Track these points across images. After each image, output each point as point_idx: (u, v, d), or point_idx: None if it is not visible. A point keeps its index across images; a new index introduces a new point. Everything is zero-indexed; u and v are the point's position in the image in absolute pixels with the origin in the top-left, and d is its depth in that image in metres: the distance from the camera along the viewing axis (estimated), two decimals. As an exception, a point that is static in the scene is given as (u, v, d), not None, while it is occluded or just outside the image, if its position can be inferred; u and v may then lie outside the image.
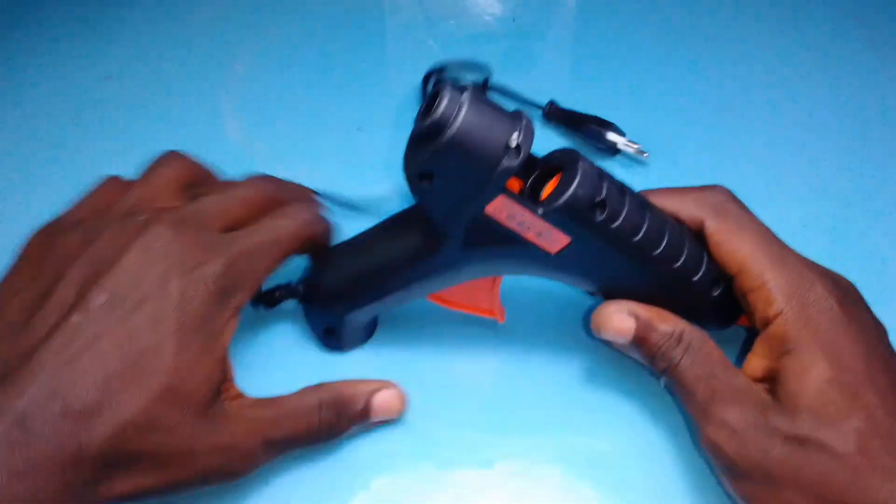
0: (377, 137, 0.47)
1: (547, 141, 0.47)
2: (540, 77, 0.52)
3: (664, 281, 0.30)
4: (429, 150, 0.25)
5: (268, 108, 0.48)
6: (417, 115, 0.26)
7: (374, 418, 0.31)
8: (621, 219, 0.28)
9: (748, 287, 0.29)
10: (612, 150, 0.46)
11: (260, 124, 0.47)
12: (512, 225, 0.28)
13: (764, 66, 0.53)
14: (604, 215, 0.28)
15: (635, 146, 0.45)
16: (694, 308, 0.31)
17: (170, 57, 0.52)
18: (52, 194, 0.42)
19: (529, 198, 0.28)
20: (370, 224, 0.33)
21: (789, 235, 0.40)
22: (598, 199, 0.27)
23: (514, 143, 0.25)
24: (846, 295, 0.29)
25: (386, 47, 0.55)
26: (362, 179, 0.44)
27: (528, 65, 0.53)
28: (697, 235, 0.31)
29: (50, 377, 0.23)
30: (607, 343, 0.31)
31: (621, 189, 0.29)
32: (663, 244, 0.29)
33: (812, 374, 0.26)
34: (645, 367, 0.31)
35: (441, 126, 0.25)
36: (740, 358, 0.31)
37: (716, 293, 0.31)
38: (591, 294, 0.33)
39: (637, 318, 0.29)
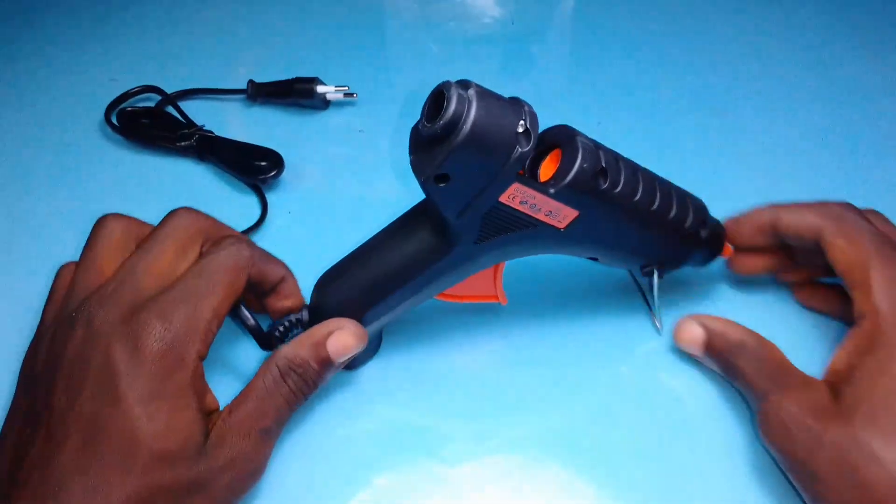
0: (378, 138, 0.48)
1: (263, 118, 0.49)
2: (538, 78, 0.53)
3: (662, 232, 0.32)
4: (444, 151, 0.25)
5: (270, 110, 0.49)
6: (422, 119, 0.26)
7: (339, 360, 0.30)
8: (621, 184, 0.29)
9: (853, 281, 0.29)
10: (324, 102, 0.49)
11: (262, 125, 0.48)
12: (525, 209, 0.28)
13: (758, 69, 0.53)
14: (606, 183, 0.29)
15: (343, 89, 0.48)
16: (687, 250, 0.34)
17: (173, 60, 0.53)
18: (58, 194, 0.44)
19: (540, 181, 0.29)
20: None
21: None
22: (598, 168, 0.29)
23: (522, 129, 0.26)
24: None
25: (387, 50, 0.56)
26: (364, 179, 0.45)
27: (527, 67, 0.54)
28: (816, 244, 0.32)
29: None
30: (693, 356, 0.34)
31: (615, 156, 0.30)
32: (657, 200, 0.31)
33: (884, 378, 0.26)
34: (722, 376, 0.33)
35: (454, 125, 0.25)
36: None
37: (704, 234, 0.34)
38: (594, 260, 0.34)
39: (705, 327, 0.32)
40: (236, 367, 0.35)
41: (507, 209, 0.28)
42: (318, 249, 0.34)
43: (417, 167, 0.26)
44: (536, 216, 0.29)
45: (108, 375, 0.25)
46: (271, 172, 0.43)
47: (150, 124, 0.46)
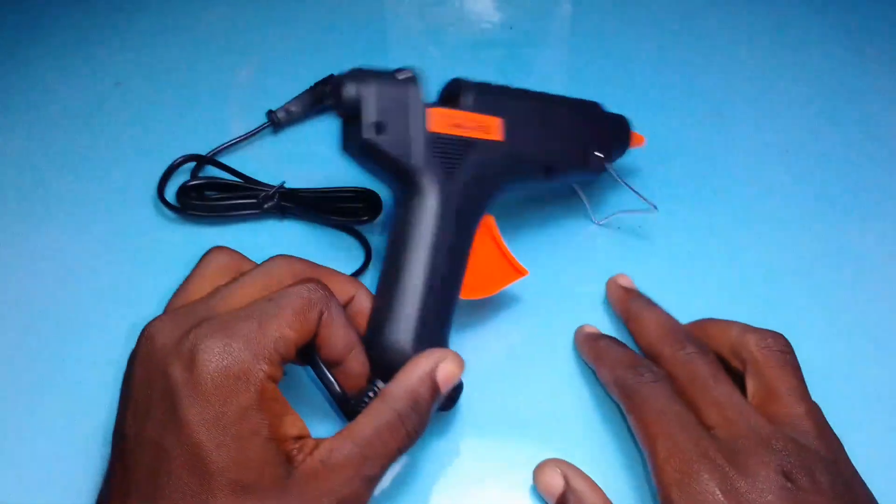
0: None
1: (296, 140, 0.48)
2: (536, 82, 0.53)
3: (583, 115, 0.39)
4: (366, 109, 0.31)
5: (298, 130, 0.49)
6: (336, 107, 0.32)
7: (444, 391, 0.28)
8: (519, 89, 0.36)
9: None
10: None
11: (300, 145, 0.48)
12: (457, 132, 0.33)
13: (752, 72, 0.54)
14: (509, 88, 0.35)
15: None
16: (613, 127, 0.41)
17: (177, 63, 0.54)
18: (65, 194, 0.44)
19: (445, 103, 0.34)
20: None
21: (777, 233, 0.42)
22: (494, 85, 0.35)
23: (403, 76, 0.32)
24: (756, 480, 0.26)
25: (388, 54, 0.56)
26: (365, 181, 0.45)
27: (525, 71, 0.55)
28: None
29: None
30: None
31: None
32: (556, 95, 0.38)
33: None
34: None
35: (358, 92, 0.31)
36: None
37: (610, 112, 0.41)
38: (554, 176, 0.38)
39: (566, 480, 0.29)
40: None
41: (443, 137, 0.32)
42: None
43: (354, 138, 0.31)
44: (472, 135, 0.33)
45: (169, 398, 0.24)
46: (370, 214, 0.40)
47: (219, 196, 0.41)
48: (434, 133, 0.32)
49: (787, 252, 0.42)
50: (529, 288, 0.38)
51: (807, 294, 0.40)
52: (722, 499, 0.25)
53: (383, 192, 0.41)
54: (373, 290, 0.32)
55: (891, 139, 0.49)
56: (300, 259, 0.30)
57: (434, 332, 0.31)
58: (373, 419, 0.26)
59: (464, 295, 0.33)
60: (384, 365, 0.30)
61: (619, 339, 0.35)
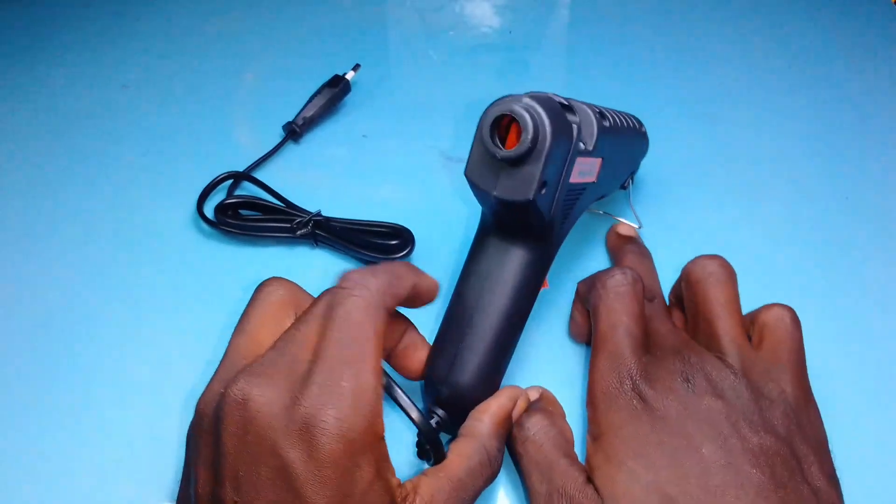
0: (381, 143, 0.49)
1: (316, 149, 0.48)
2: (534, 86, 0.54)
3: (634, 138, 0.37)
4: (538, 162, 0.26)
5: (277, 116, 0.50)
6: (487, 143, 0.26)
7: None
8: (613, 114, 0.32)
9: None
10: (348, 87, 0.51)
11: (269, 131, 0.49)
12: (580, 180, 0.30)
13: (747, 76, 0.55)
14: (608, 121, 0.31)
15: (355, 69, 0.51)
16: (640, 143, 0.39)
17: (183, 67, 0.55)
18: (73, 193, 0.45)
19: (580, 148, 0.29)
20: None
21: (771, 231, 0.43)
22: (597, 110, 0.31)
23: (565, 102, 0.28)
24: (668, 379, 0.28)
25: (389, 58, 0.57)
26: (367, 182, 0.46)
27: (523, 74, 0.56)
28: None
29: None
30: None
31: (555, 96, 0.30)
32: (616, 114, 0.34)
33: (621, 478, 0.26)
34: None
35: (537, 138, 0.25)
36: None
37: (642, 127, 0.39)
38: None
39: (541, 395, 0.32)
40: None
41: (573, 187, 0.29)
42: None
43: (513, 191, 0.26)
44: (585, 181, 0.31)
45: (287, 480, 0.22)
46: (403, 251, 0.39)
47: (254, 216, 0.42)
48: (571, 183, 0.29)
49: (782, 252, 0.42)
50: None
51: (802, 294, 0.40)
52: (631, 394, 0.28)
53: (417, 229, 0.40)
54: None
55: (884, 141, 0.49)
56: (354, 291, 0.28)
57: (501, 369, 0.31)
58: (466, 459, 0.26)
59: None
60: (450, 401, 0.29)
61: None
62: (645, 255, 0.38)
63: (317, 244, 0.41)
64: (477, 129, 0.27)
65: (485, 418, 0.28)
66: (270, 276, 0.28)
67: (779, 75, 0.55)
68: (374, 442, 0.23)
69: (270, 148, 0.47)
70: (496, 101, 0.26)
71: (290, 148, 0.48)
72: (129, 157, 0.48)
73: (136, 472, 0.32)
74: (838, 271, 0.41)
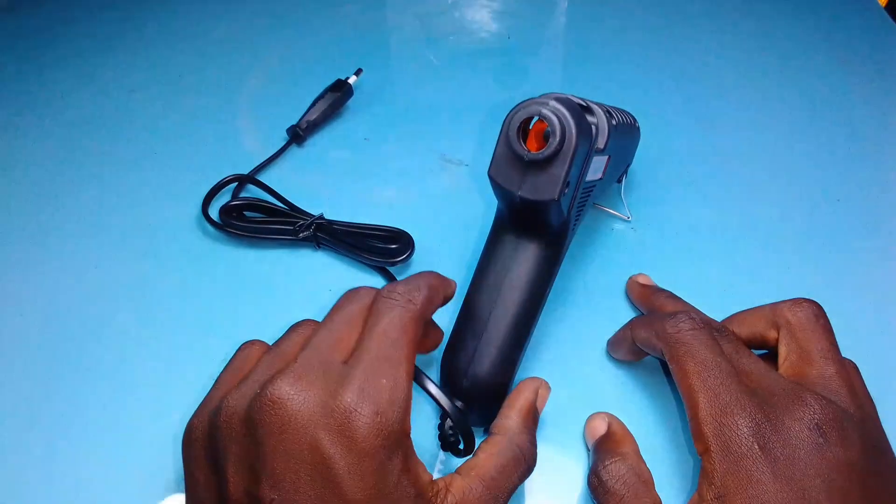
0: (382, 146, 0.50)
1: (319, 153, 0.49)
2: (532, 90, 0.55)
3: (632, 134, 0.37)
4: (563, 164, 0.26)
5: (281, 119, 0.51)
6: (513, 144, 0.27)
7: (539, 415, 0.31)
8: (615, 112, 0.32)
9: (688, 411, 0.28)
10: (350, 91, 0.52)
11: (273, 134, 0.50)
12: (591, 177, 0.31)
13: (741, 79, 0.56)
14: (614, 119, 0.31)
15: (357, 74, 0.52)
16: (633, 139, 0.39)
17: (189, 71, 0.56)
18: (83, 194, 0.46)
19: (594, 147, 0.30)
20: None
21: (766, 231, 0.44)
22: (606, 109, 0.31)
23: (584, 103, 0.28)
24: (782, 429, 0.26)
25: (390, 62, 0.58)
26: (368, 184, 0.47)
27: (521, 78, 0.57)
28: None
29: None
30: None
31: (572, 97, 0.31)
32: (617, 111, 0.34)
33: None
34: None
35: (564, 140, 0.26)
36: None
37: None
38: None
39: (610, 427, 0.32)
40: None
41: (587, 185, 0.30)
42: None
43: (538, 191, 0.27)
44: (596, 178, 0.31)
45: (327, 474, 0.22)
46: (403, 255, 0.40)
47: (258, 218, 0.43)
48: (586, 181, 0.30)
49: (777, 252, 0.43)
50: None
51: (796, 294, 0.41)
52: (758, 451, 0.26)
53: (417, 230, 0.41)
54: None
55: (875, 141, 0.50)
56: (372, 289, 0.29)
57: (517, 360, 0.32)
58: (497, 457, 0.27)
59: None
60: (471, 392, 0.30)
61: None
62: (678, 299, 0.36)
63: (318, 247, 0.42)
64: (502, 131, 0.27)
65: (511, 414, 0.29)
66: (356, 286, 0.29)
67: (771, 76, 0.56)
68: (403, 438, 0.24)
69: (274, 151, 0.48)
70: (521, 103, 0.27)
71: (294, 151, 0.49)
72: (135, 159, 0.49)
73: (140, 469, 0.33)
74: (831, 271, 0.42)
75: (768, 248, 0.43)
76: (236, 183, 0.45)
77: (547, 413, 0.33)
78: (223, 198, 0.45)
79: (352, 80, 0.52)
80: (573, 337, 0.38)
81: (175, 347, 0.38)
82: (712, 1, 0.64)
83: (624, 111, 0.38)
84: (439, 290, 0.29)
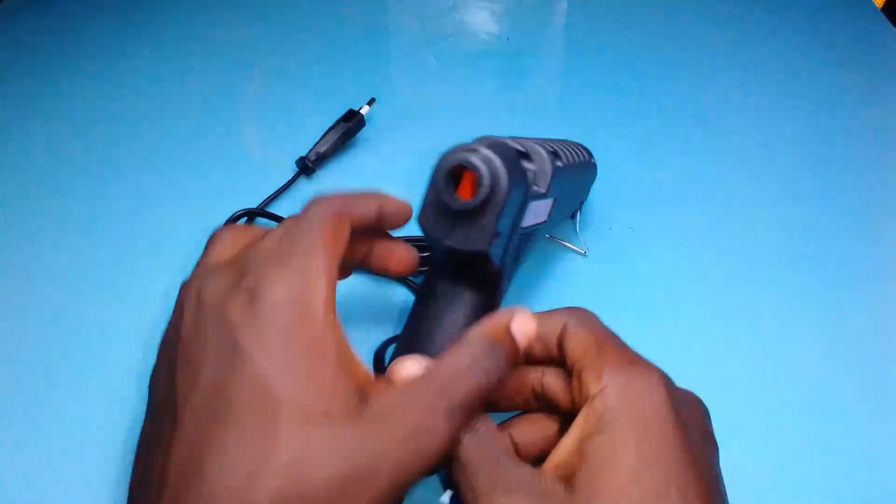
0: (383, 146, 0.50)
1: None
2: (532, 90, 0.56)
3: (583, 174, 0.36)
4: (492, 214, 0.25)
5: (282, 120, 0.51)
6: (439, 196, 0.26)
7: (522, 345, 0.26)
8: (563, 156, 0.32)
9: (586, 364, 0.25)
10: (362, 122, 0.49)
11: (274, 135, 0.51)
12: (531, 222, 0.29)
13: (740, 79, 0.56)
14: (561, 160, 0.31)
15: (369, 104, 0.50)
16: (593, 175, 0.39)
17: (191, 72, 0.56)
18: (83, 198, 0.46)
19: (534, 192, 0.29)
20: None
21: (764, 231, 0.44)
22: (551, 149, 0.30)
23: (522, 148, 0.27)
24: (685, 402, 0.25)
25: (390, 63, 0.58)
26: (369, 185, 0.47)
27: (521, 80, 0.57)
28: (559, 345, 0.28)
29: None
30: None
31: (514, 140, 0.30)
32: (568, 149, 0.34)
33: (619, 460, 0.22)
34: None
35: (495, 190, 0.25)
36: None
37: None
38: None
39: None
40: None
41: (525, 230, 0.29)
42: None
43: (465, 240, 0.26)
44: (537, 222, 0.30)
45: (227, 337, 0.22)
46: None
47: None
48: (523, 227, 0.28)
49: (774, 253, 0.44)
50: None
51: (793, 294, 0.41)
52: (668, 395, 0.24)
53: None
54: None
55: (872, 143, 0.51)
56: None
57: None
58: (450, 359, 0.24)
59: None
60: None
61: None
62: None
63: None
64: (431, 178, 0.26)
65: (475, 327, 0.25)
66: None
67: (769, 77, 0.57)
68: (325, 305, 0.23)
69: (275, 157, 0.47)
70: (451, 149, 0.26)
71: (303, 183, 0.48)
72: (138, 158, 0.49)
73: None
74: (826, 273, 0.42)
75: (767, 251, 0.44)
76: (246, 218, 0.44)
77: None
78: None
79: (364, 110, 0.50)
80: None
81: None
82: (711, 3, 0.65)
83: (577, 147, 0.37)
84: (370, 198, 0.28)
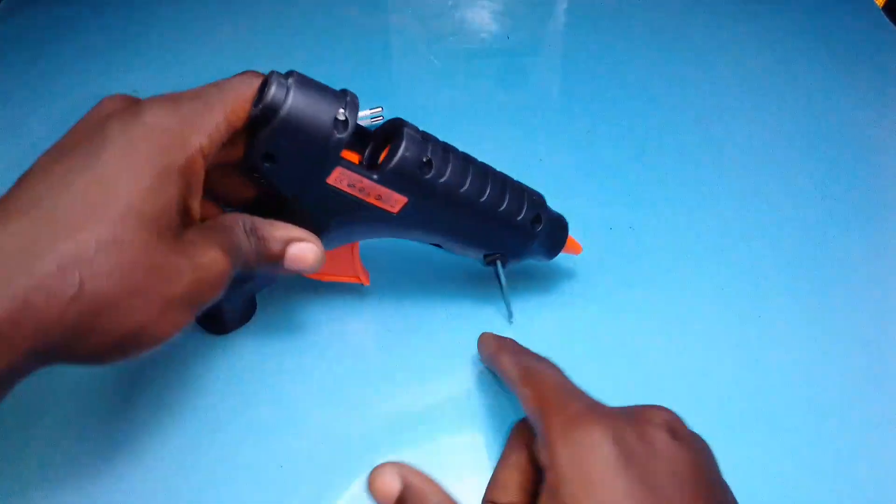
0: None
1: None
2: (532, 89, 0.56)
3: (494, 223, 0.34)
4: (266, 133, 0.28)
5: None
6: (252, 105, 0.28)
7: (288, 266, 0.30)
8: (448, 174, 0.32)
9: (537, 432, 0.27)
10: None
11: None
12: (354, 192, 0.31)
13: (738, 80, 0.56)
14: (431, 173, 0.31)
15: (376, 111, 0.49)
16: (522, 243, 0.36)
17: (191, 72, 0.56)
18: None
19: (367, 167, 0.31)
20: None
21: (763, 232, 0.44)
22: (424, 158, 0.31)
23: (342, 117, 0.28)
24: (651, 445, 0.25)
25: (391, 63, 0.59)
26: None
27: (521, 78, 0.57)
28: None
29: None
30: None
31: (445, 148, 0.32)
32: (487, 193, 0.33)
33: None
34: None
35: (273, 109, 0.27)
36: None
37: (538, 228, 0.35)
38: (438, 247, 0.36)
39: (404, 480, 0.25)
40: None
41: (335, 191, 0.30)
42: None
43: (247, 149, 0.29)
44: (367, 199, 0.31)
45: (100, 136, 0.25)
46: None
47: None
48: (329, 185, 0.30)
49: (774, 253, 0.44)
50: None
51: (793, 294, 0.41)
52: (611, 452, 0.25)
53: None
54: None
55: (869, 143, 0.51)
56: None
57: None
58: (227, 217, 0.29)
59: (311, 275, 0.35)
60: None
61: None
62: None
63: None
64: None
65: (262, 221, 0.29)
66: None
67: (769, 77, 0.57)
68: (196, 147, 0.26)
69: None
70: (290, 71, 0.29)
71: None
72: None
73: (147, 482, 0.33)
74: (827, 273, 0.43)
75: (765, 251, 0.44)
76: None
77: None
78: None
79: (366, 119, 0.49)
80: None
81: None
82: (711, 2, 0.65)
83: (517, 201, 0.34)
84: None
